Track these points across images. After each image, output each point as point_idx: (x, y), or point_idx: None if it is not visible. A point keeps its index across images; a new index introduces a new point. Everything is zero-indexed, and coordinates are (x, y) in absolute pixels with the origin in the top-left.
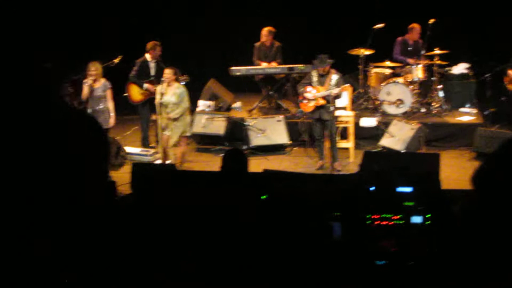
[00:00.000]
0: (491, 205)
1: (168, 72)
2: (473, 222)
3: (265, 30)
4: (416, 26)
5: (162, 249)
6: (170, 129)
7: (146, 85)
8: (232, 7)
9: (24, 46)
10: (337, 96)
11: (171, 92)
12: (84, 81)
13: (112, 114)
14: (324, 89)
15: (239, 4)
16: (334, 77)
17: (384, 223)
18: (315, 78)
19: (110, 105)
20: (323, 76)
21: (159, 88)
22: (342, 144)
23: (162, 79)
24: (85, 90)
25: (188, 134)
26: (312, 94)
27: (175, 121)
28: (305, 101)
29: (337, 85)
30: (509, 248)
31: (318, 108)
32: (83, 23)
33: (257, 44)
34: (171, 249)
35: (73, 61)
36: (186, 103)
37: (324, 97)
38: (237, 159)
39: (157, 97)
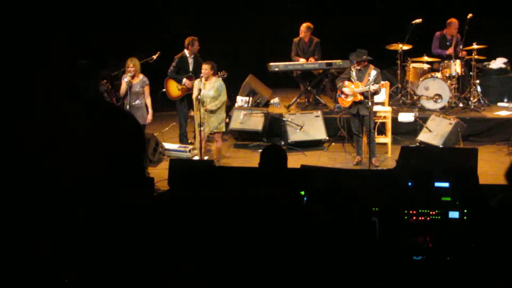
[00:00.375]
0: None
1: (206, 68)
2: (510, 216)
3: (304, 26)
4: (454, 21)
5: (199, 245)
6: (205, 123)
7: (184, 80)
8: (271, 2)
9: (61, 43)
10: (376, 92)
11: (209, 86)
12: (122, 77)
13: (150, 110)
14: (362, 85)
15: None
16: (373, 72)
17: (422, 218)
18: (354, 73)
19: (148, 101)
20: (362, 72)
21: (196, 83)
22: (379, 139)
23: (201, 74)
24: (123, 86)
25: (223, 130)
26: (351, 89)
27: (211, 113)
28: (343, 96)
29: (376, 81)
30: None
31: (356, 103)
32: (121, 19)
33: (296, 39)
34: (208, 245)
35: (112, 57)
36: (224, 97)
37: (362, 93)
38: (276, 155)
39: (195, 92)
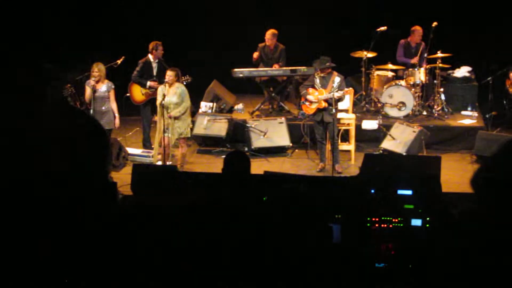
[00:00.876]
0: (490, 208)
1: (170, 74)
2: (473, 225)
3: (269, 34)
4: (418, 28)
5: (162, 251)
6: (170, 130)
7: (149, 83)
8: (236, 8)
9: (24, 46)
10: (340, 99)
11: (172, 92)
12: (86, 82)
13: (117, 115)
14: (327, 92)
15: (243, 5)
16: (337, 79)
17: (384, 225)
18: (318, 80)
19: (114, 106)
20: (326, 79)
21: (160, 89)
22: (343, 146)
23: (165, 80)
24: (88, 91)
25: (188, 135)
26: (315, 96)
27: (176, 119)
28: (307, 103)
29: (340, 87)
30: (509, 252)
31: (320, 110)
32: (86, 23)
33: (261, 45)
34: (171, 250)
35: (75, 61)
36: (187, 102)
37: (326, 100)
38: (239, 161)
39: (159, 98)
